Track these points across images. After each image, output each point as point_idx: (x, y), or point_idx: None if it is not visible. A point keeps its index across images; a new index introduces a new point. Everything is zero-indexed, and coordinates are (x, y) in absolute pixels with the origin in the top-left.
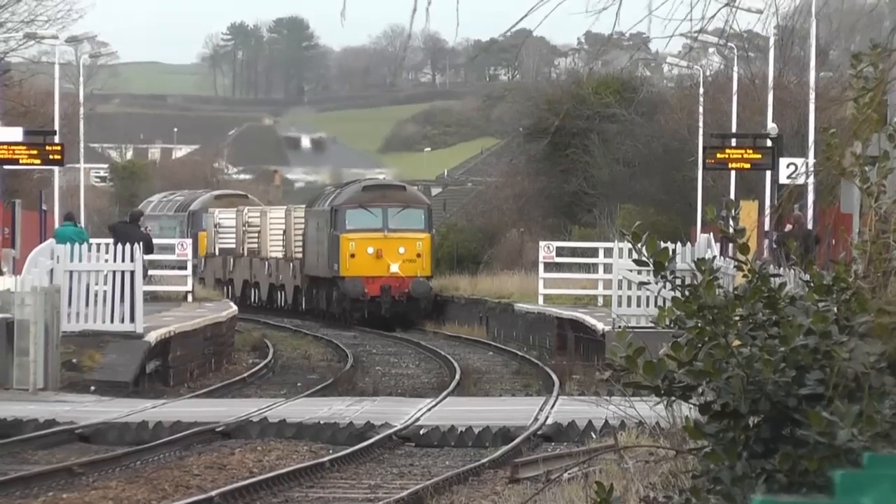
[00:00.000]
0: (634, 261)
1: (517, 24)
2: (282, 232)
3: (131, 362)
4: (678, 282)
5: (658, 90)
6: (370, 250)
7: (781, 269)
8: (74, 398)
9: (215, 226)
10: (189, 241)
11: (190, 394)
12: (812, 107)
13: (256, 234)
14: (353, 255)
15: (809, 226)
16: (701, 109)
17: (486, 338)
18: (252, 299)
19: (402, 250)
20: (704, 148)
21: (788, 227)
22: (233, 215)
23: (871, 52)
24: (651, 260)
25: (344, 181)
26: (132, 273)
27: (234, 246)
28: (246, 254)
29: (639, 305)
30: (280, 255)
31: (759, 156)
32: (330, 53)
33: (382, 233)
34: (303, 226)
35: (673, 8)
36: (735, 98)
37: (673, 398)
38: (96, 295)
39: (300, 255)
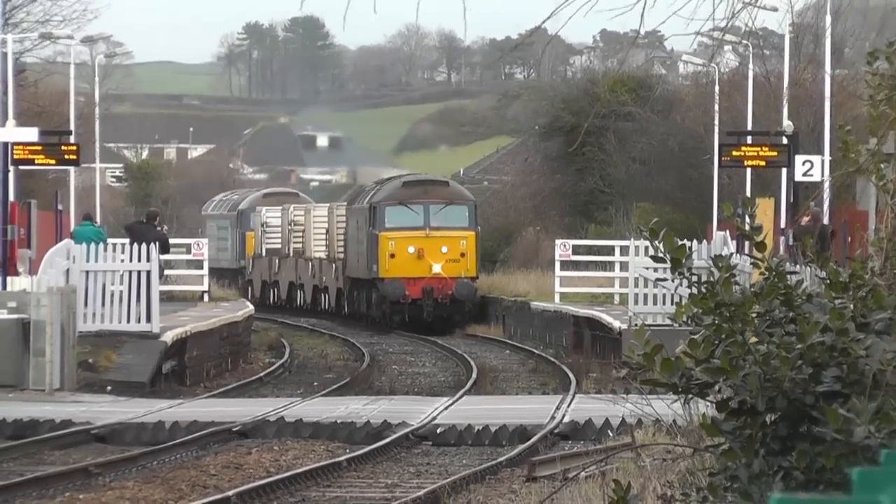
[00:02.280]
0: (652, 257)
1: (544, 23)
2: (325, 231)
3: (148, 362)
4: (695, 279)
5: (673, 88)
6: (411, 250)
7: (798, 266)
8: (91, 398)
9: (262, 225)
10: (205, 240)
11: (206, 394)
12: (828, 104)
13: (301, 234)
14: (392, 255)
15: (826, 221)
16: (716, 107)
17: (503, 336)
18: (298, 302)
19: (444, 250)
20: (720, 145)
21: (805, 219)
22: (279, 214)
23: (887, 50)
24: (668, 257)
25: (358, 181)
26: (148, 273)
27: (279, 246)
28: (291, 254)
29: (655, 303)
30: (323, 255)
31: (774, 153)
32: (345, 53)
33: (424, 231)
34: (344, 224)
35: (693, 6)
36: (751, 95)
37: (690, 396)
38: (112, 295)
39: (342, 256)
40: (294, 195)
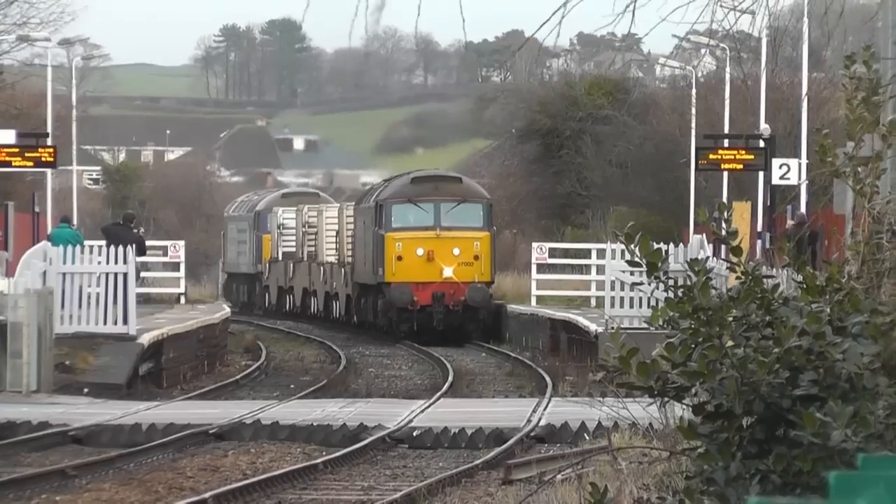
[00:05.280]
0: (628, 262)
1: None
2: (335, 233)
3: (124, 364)
4: (671, 283)
5: (650, 91)
6: (420, 252)
7: (774, 269)
8: (68, 400)
9: (279, 227)
10: (182, 242)
11: (183, 396)
12: (805, 107)
13: (314, 236)
14: (399, 258)
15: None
16: (693, 110)
17: (480, 339)
18: (312, 310)
19: (456, 252)
20: (697, 149)
21: (790, 223)
22: (294, 215)
23: (864, 53)
24: (644, 261)
25: (335, 184)
26: (125, 275)
27: (294, 250)
28: (306, 258)
29: (632, 306)
30: (334, 259)
31: (751, 156)
32: (322, 55)
33: (434, 231)
34: (353, 226)
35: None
36: (727, 99)
37: (666, 399)
38: (89, 297)
39: (350, 260)
40: (314, 195)
